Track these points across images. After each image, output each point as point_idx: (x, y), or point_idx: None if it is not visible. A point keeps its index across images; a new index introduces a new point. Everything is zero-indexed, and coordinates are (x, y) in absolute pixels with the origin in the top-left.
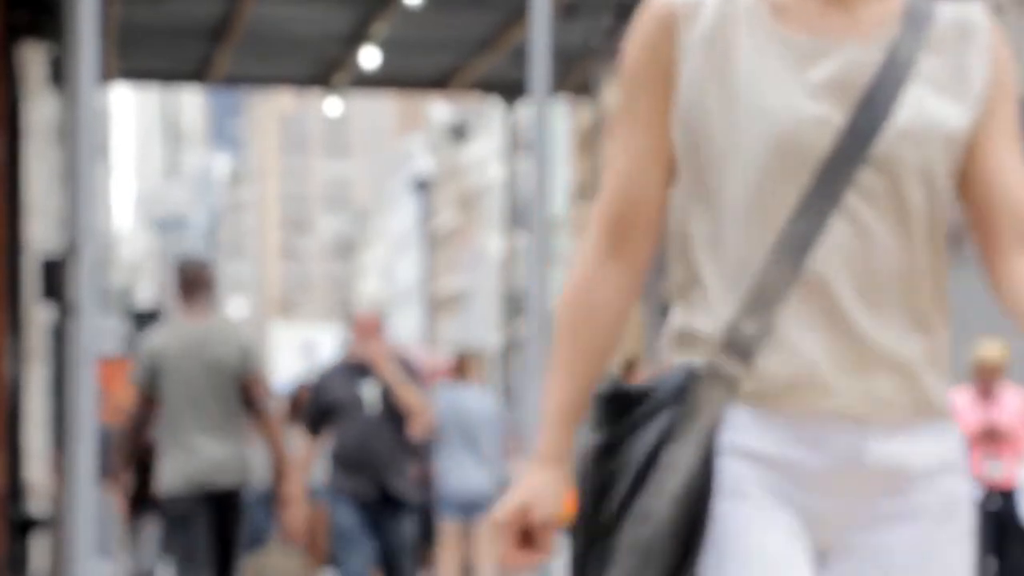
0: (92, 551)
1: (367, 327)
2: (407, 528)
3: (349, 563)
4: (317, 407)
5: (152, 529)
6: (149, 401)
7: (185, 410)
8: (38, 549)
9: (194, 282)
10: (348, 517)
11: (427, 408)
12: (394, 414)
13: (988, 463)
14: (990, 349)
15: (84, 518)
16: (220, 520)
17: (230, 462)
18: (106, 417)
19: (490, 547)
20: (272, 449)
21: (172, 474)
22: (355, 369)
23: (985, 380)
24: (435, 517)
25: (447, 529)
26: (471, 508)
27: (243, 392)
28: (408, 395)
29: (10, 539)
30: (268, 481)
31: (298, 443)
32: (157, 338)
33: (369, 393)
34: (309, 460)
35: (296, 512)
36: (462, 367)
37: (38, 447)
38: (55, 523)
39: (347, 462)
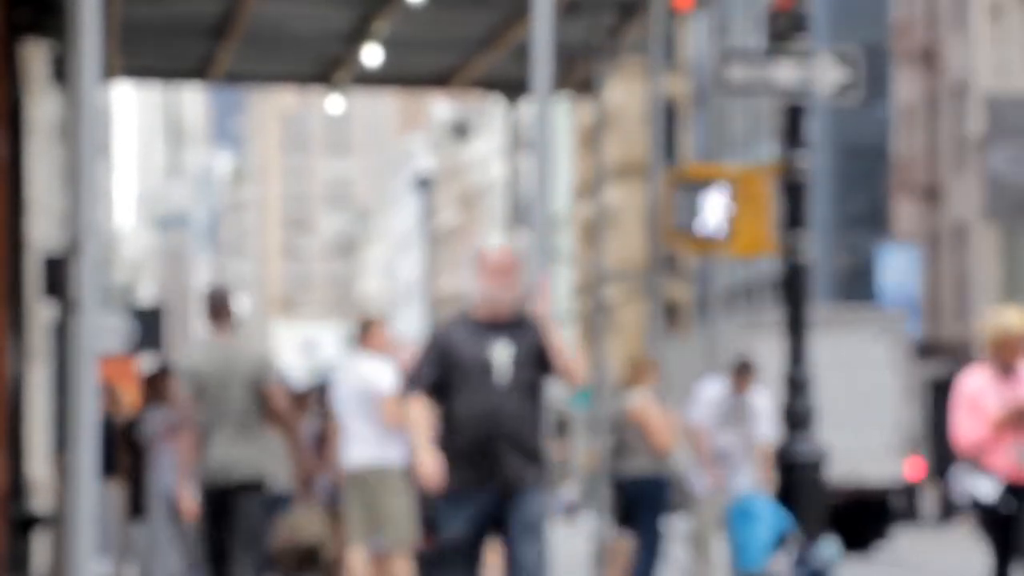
0: (94, 549)
1: (504, 269)
2: (535, 508)
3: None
4: (434, 370)
5: (146, 531)
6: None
7: (216, 417)
8: (40, 547)
9: (219, 307)
10: (459, 523)
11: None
12: (527, 384)
13: (1016, 450)
14: (1013, 318)
15: (86, 516)
16: (243, 513)
17: (250, 461)
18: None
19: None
20: (290, 446)
21: (205, 473)
22: (483, 326)
23: (1006, 354)
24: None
25: None
26: None
27: (263, 399)
28: (570, 357)
29: (12, 537)
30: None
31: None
32: (193, 356)
33: (501, 356)
34: (427, 433)
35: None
36: None
37: (40, 445)
38: (57, 521)
39: (467, 442)
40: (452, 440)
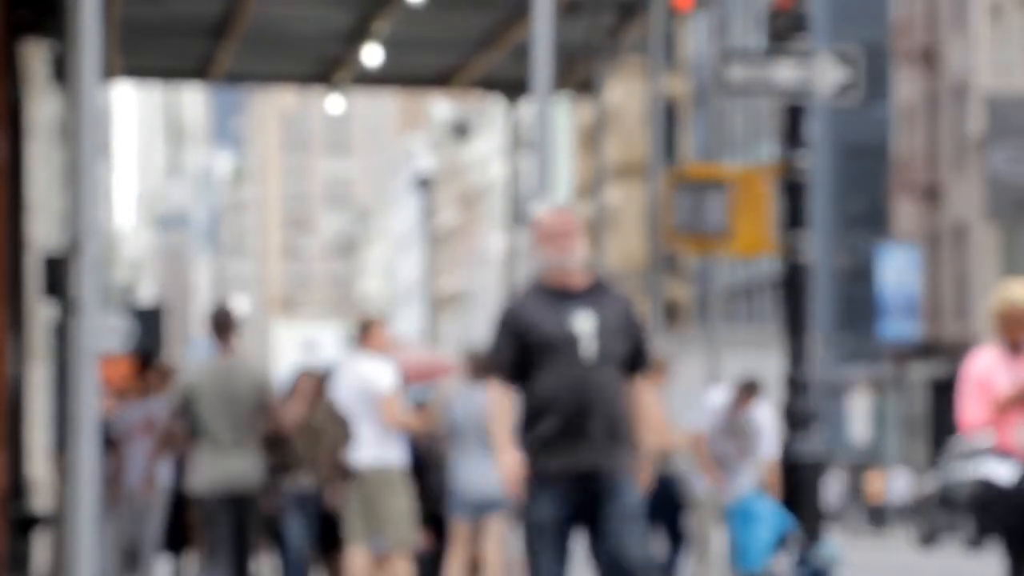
0: (94, 549)
1: (562, 232)
2: (631, 497)
3: (541, 565)
4: (512, 350)
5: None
6: (184, 422)
7: (214, 429)
8: (40, 547)
9: (223, 325)
10: (546, 506)
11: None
12: (614, 358)
13: (1019, 431)
14: (1020, 292)
15: (86, 516)
16: (240, 520)
17: (249, 470)
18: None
19: (498, 546)
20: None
21: (202, 480)
22: (559, 296)
23: (1014, 330)
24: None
25: (457, 529)
26: (483, 508)
27: (261, 413)
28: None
29: (12, 537)
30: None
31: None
32: (194, 373)
33: (584, 328)
34: (508, 425)
35: None
36: (478, 367)
37: (40, 445)
38: (57, 521)
39: (555, 423)
40: (538, 423)
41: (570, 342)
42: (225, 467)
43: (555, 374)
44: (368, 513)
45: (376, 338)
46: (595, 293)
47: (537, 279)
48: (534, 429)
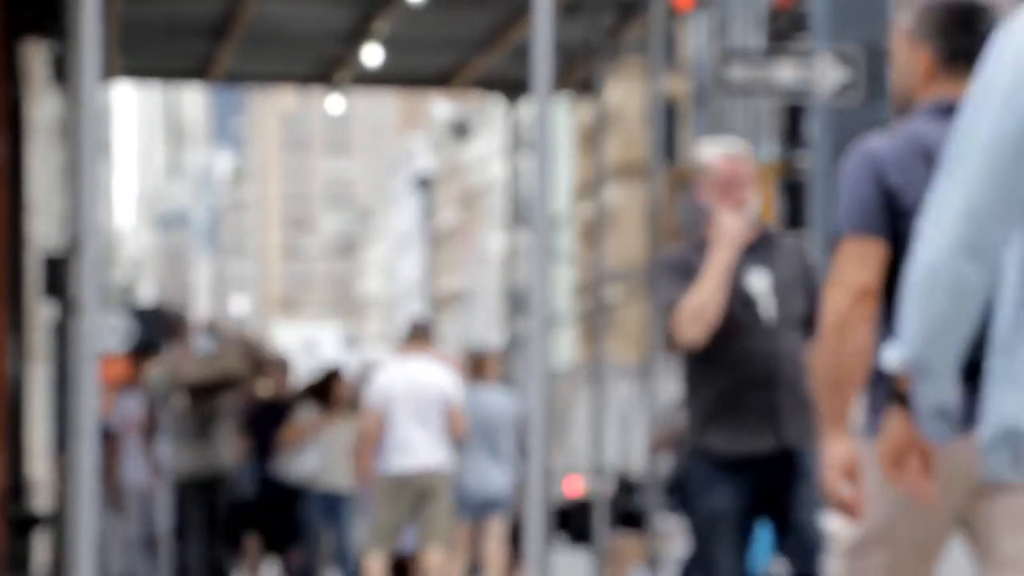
0: (94, 550)
1: (736, 181)
2: (814, 496)
3: (717, 562)
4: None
5: (118, 527)
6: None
7: (175, 424)
8: (40, 547)
9: (177, 325)
10: (722, 494)
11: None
12: (795, 318)
13: None
14: None
15: (86, 516)
16: (209, 504)
17: (211, 461)
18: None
19: (499, 546)
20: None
21: (175, 466)
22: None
23: None
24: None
25: (458, 529)
26: (484, 508)
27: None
28: None
29: (11, 537)
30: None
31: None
32: (158, 370)
33: (760, 286)
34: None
35: None
36: (479, 367)
37: (40, 445)
38: (57, 521)
39: (736, 395)
40: (713, 396)
41: (746, 304)
42: (195, 453)
43: (730, 340)
44: (402, 517)
45: (430, 343)
46: (766, 246)
47: (700, 232)
48: (708, 406)
